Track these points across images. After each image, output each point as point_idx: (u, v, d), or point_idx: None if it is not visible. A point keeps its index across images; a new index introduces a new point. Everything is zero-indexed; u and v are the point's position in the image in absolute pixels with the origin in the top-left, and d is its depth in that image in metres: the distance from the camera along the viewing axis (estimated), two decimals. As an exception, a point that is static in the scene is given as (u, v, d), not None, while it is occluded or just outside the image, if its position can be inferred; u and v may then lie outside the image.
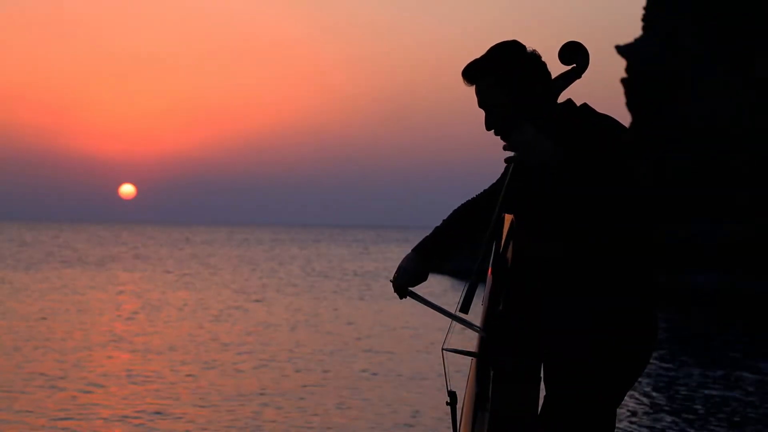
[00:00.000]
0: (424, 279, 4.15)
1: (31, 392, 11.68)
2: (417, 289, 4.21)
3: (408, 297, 4.17)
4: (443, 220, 4.16)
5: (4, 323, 19.51)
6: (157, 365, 14.33)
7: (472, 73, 3.88)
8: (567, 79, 3.86)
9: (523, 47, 3.86)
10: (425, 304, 4.09)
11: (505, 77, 3.82)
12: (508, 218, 3.91)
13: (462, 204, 4.17)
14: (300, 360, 15.18)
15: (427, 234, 4.19)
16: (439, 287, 32.63)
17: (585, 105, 3.84)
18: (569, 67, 3.86)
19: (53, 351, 15.56)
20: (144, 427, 9.96)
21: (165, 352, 15.87)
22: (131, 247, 74.06)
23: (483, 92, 3.86)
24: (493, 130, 3.88)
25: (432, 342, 17.49)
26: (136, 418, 10.38)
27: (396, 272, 4.15)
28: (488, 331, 3.84)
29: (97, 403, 11.24)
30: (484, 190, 4.14)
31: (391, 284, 4.19)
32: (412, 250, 4.16)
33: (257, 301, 27.10)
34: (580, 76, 3.86)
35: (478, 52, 3.89)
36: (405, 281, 4.13)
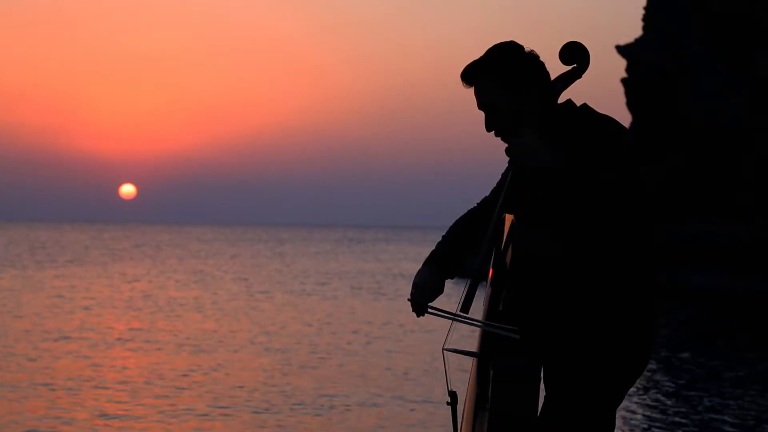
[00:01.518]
0: (442, 291, 4.01)
1: (48, 392, 11.69)
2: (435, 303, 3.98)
3: (428, 313, 3.93)
4: (450, 229, 4.09)
5: (22, 323, 19.53)
6: (177, 363, 14.37)
7: (470, 74, 3.87)
8: (568, 79, 3.86)
9: (521, 47, 3.86)
10: (448, 317, 3.86)
11: (504, 77, 3.82)
12: (509, 219, 3.91)
13: (468, 210, 4.12)
14: (314, 357, 15.27)
15: (435, 243, 4.07)
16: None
17: (585, 105, 3.84)
18: (570, 67, 3.86)
19: (70, 350, 15.60)
20: (157, 423, 9.97)
21: (183, 349, 15.92)
22: (134, 246, 74.10)
23: (482, 93, 3.85)
24: (493, 131, 3.88)
25: (439, 341, 17.54)
26: (156, 417, 10.39)
27: (412, 289, 4.00)
28: (522, 336, 3.68)
29: (119, 400, 11.28)
30: (486, 196, 4.12)
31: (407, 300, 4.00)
32: (424, 264, 4.04)
33: (268, 300, 27.13)
34: (580, 76, 3.86)
35: (478, 51, 3.90)
36: (424, 297, 3.98)
